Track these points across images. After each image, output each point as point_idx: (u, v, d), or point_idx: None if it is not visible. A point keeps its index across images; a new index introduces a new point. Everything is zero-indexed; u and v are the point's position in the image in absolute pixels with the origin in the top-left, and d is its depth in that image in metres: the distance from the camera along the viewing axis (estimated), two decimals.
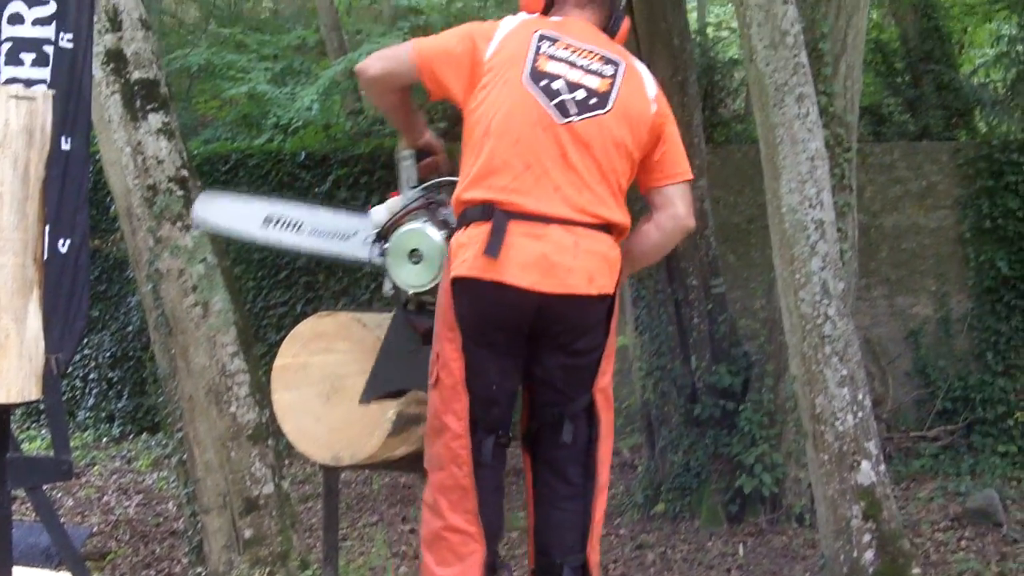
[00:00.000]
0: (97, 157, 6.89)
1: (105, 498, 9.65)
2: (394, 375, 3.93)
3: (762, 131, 5.66)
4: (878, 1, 13.89)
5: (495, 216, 3.35)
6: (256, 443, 6.44)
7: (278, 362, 4.20)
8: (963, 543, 7.81)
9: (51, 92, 3.76)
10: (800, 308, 5.53)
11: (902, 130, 12.31)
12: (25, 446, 10.81)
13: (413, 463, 4.14)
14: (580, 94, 3.48)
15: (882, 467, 5.59)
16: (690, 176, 3.70)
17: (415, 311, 3.91)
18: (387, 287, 3.95)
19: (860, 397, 5.52)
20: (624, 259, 3.56)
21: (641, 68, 3.70)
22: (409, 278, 3.74)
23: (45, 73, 3.97)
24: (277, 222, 4.14)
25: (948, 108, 12.38)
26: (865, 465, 5.48)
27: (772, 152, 5.57)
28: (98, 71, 6.42)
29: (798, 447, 7.53)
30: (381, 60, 3.69)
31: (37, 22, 3.99)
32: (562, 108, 3.45)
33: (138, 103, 6.53)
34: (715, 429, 8.24)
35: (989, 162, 10.33)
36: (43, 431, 11.51)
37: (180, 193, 6.53)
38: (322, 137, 12.74)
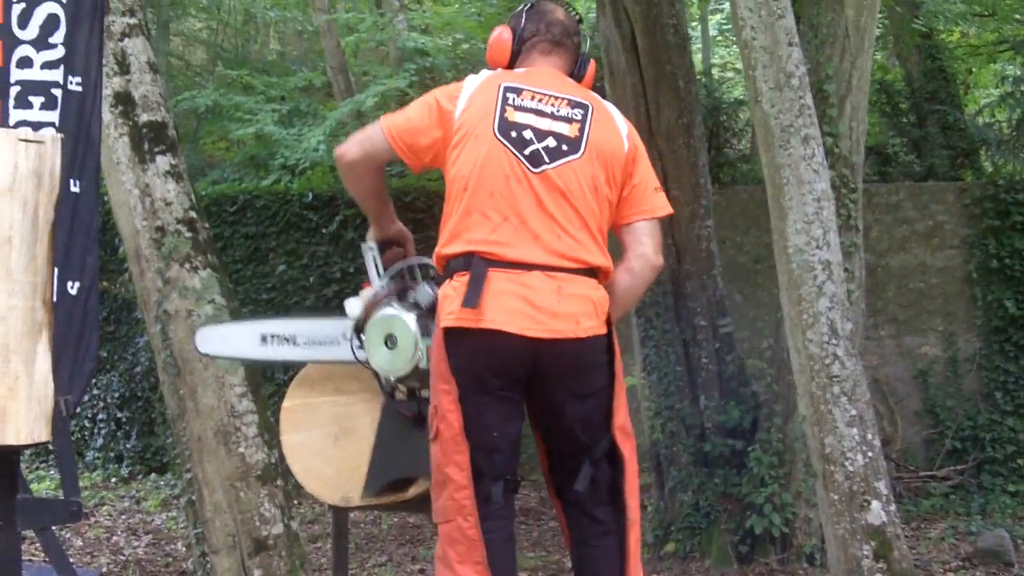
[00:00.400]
0: (106, 199, 6.92)
1: (114, 538, 9.63)
2: (392, 465, 3.97)
3: (768, 172, 5.67)
4: (882, 43, 13.95)
5: (474, 264, 3.41)
6: (265, 483, 6.43)
7: (287, 403, 4.21)
8: None
9: (60, 135, 3.79)
10: (808, 348, 5.53)
11: (908, 170, 12.35)
12: (34, 486, 10.80)
13: (422, 504, 4.14)
14: (551, 142, 3.54)
15: (892, 507, 5.58)
16: (661, 213, 3.74)
17: (403, 398, 3.94)
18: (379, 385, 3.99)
19: (869, 437, 5.50)
20: None
21: (611, 108, 3.78)
22: (387, 364, 3.77)
23: (54, 116, 3.99)
24: (273, 339, 4.20)
25: (953, 148, 12.43)
26: (875, 505, 5.46)
27: (778, 193, 5.58)
28: (107, 114, 6.46)
29: (808, 487, 7.52)
30: (357, 143, 3.76)
31: (46, 66, 4.02)
32: (535, 158, 3.50)
33: (146, 145, 6.56)
34: (724, 469, 8.22)
35: (995, 202, 10.34)
36: (51, 471, 11.50)
37: (188, 235, 6.55)
38: (329, 178, 12.79)
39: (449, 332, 3.42)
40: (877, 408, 9.69)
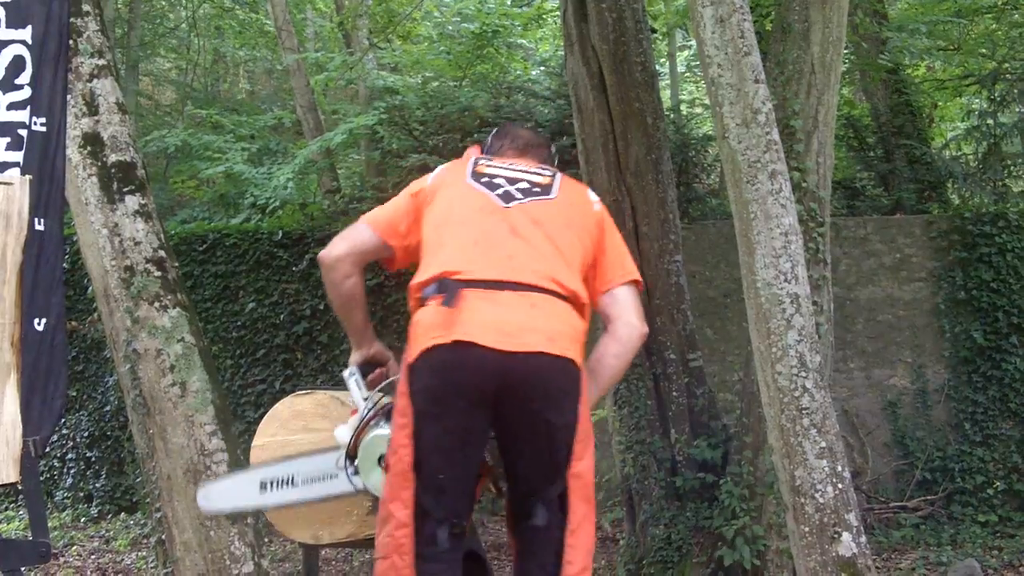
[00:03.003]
0: (74, 239, 6.91)
1: None
2: None
3: (736, 207, 5.69)
4: (849, 78, 14.05)
5: (448, 286, 3.38)
6: (235, 522, 6.40)
7: (256, 441, 4.20)
8: None
9: (28, 177, 3.79)
10: (777, 381, 5.54)
11: (875, 204, 12.42)
12: (2, 527, 10.74)
13: None
14: (523, 184, 3.67)
15: (863, 538, 5.58)
16: (636, 277, 3.77)
17: None
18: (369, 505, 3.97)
19: (839, 469, 5.51)
20: (589, 379, 3.53)
21: (580, 184, 3.92)
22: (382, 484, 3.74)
23: (19, 156, 3.98)
24: (272, 484, 4.17)
25: (920, 182, 12.51)
26: (846, 536, 5.46)
27: (746, 228, 5.60)
28: (75, 154, 6.46)
29: (779, 519, 7.51)
30: (340, 239, 3.79)
31: (12, 107, 4.02)
32: (506, 196, 3.61)
33: (115, 185, 6.56)
34: (696, 502, 8.22)
35: (962, 234, 10.43)
36: (20, 511, 11.42)
37: (157, 274, 6.55)
38: (299, 216, 12.80)
39: (420, 356, 3.37)
40: (847, 440, 9.73)
